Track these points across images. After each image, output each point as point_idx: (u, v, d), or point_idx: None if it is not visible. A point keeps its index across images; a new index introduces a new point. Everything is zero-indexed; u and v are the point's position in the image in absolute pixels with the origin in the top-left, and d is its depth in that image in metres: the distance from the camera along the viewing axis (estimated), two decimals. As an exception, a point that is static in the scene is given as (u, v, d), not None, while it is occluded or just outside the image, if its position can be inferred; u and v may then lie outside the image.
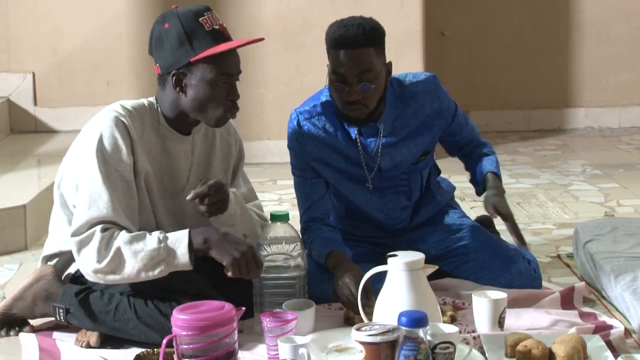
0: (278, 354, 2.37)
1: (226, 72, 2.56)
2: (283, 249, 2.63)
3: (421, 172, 3.04)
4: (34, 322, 2.73)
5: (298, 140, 2.92)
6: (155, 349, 2.42)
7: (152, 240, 2.46)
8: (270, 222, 2.68)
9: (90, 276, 2.52)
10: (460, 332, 2.39)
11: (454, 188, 3.22)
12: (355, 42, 2.77)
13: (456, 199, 3.25)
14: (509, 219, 2.89)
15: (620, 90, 5.94)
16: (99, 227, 2.48)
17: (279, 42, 5.13)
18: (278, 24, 5.13)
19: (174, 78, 2.57)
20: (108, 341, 2.59)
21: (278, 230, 2.65)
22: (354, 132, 2.91)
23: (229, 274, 2.47)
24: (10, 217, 3.63)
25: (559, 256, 3.40)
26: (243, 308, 2.41)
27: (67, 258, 2.68)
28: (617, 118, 5.97)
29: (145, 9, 5.20)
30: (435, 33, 5.75)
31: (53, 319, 2.68)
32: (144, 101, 2.65)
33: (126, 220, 2.51)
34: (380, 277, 2.49)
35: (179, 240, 2.47)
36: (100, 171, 2.50)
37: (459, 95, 6.05)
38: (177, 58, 2.54)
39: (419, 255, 2.46)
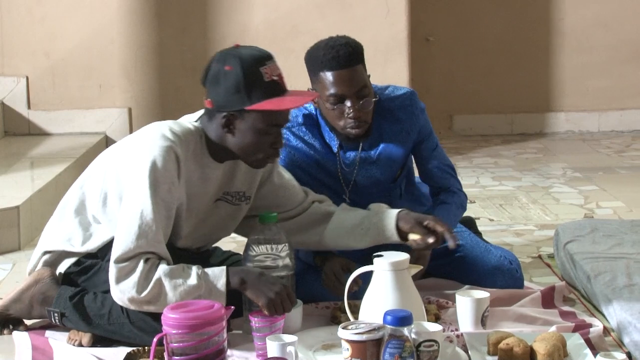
0: (266, 352, 2.39)
1: (276, 124, 2.55)
2: (271, 250, 2.64)
3: (400, 185, 3.05)
4: (27, 321, 2.74)
5: (284, 152, 2.92)
6: (146, 347, 2.44)
7: (192, 275, 2.47)
8: (258, 223, 2.71)
9: (123, 303, 2.50)
10: (444, 330, 2.42)
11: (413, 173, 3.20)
12: (349, 60, 2.76)
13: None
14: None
15: (600, 95, 6.00)
16: (142, 258, 2.46)
17: (268, 48, 5.12)
18: (267, 30, 5.16)
19: (224, 119, 2.54)
20: (99, 340, 2.60)
21: (267, 231, 2.67)
22: (335, 145, 2.93)
23: (265, 312, 2.48)
24: (3, 218, 3.64)
25: (540, 257, 3.43)
26: (232, 307, 2.44)
27: (61, 256, 2.69)
28: (597, 122, 6.03)
29: (137, 15, 5.23)
30: (420, 39, 5.80)
31: (49, 320, 2.69)
32: (191, 127, 2.60)
33: (167, 252, 2.51)
34: (366, 278, 2.52)
35: (217, 278, 2.49)
36: (152, 202, 2.46)
37: (443, 100, 6.14)
38: (232, 102, 2.51)
39: (404, 256, 2.48)
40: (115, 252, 2.48)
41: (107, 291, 2.56)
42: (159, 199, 2.48)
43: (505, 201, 4.31)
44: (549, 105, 6.04)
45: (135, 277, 2.45)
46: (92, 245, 2.65)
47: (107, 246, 2.59)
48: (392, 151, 2.95)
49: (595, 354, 2.37)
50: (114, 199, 2.59)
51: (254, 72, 2.50)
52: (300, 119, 2.92)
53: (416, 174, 3.13)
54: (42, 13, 5.20)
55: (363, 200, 2.92)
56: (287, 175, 2.84)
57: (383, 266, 2.46)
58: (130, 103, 5.27)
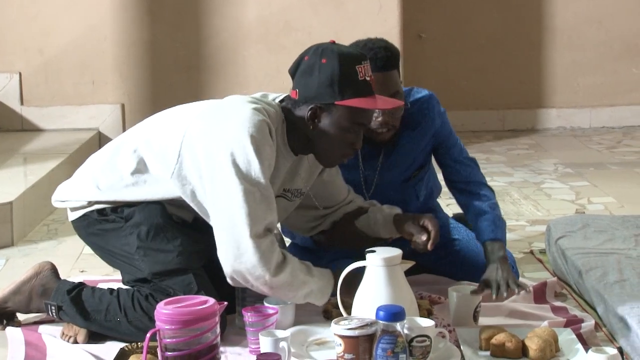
0: (259, 348, 2.40)
1: (361, 122, 2.54)
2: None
3: (415, 187, 3.04)
4: (20, 316, 2.74)
5: None
6: (139, 343, 2.44)
7: (313, 272, 2.52)
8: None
9: (259, 279, 2.46)
10: (436, 325, 2.42)
11: (440, 189, 3.22)
12: (386, 64, 2.75)
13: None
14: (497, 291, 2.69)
15: (591, 91, 6.03)
16: (269, 237, 2.45)
17: (261, 43, 5.18)
18: (260, 26, 5.17)
19: (310, 111, 2.52)
20: (93, 336, 2.60)
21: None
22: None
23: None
24: (-3, 214, 3.65)
25: (531, 252, 3.44)
26: (225, 303, 2.44)
27: (81, 206, 2.63)
28: (588, 118, 6.05)
29: (130, 12, 5.23)
30: (412, 36, 5.80)
31: (43, 314, 2.70)
32: (275, 109, 2.55)
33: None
34: (359, 273, 2.51)
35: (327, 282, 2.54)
36: (263, 184, 2.44)
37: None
38: (322, 95, 2.50)
39: (397, 252, 2.48)
40: (247, 226, 2.41)
41: (115, 254, 2.58)
42: (264, 167, 2.44)
43: (497, 197, 4.29)
44: (541, 101, 6.05)
45: (272, 257, 2.43)
46: (130, 195, 2.56)
47: (139, 205, 2.55)
48: (407, 155, 2.94)
49: (586, 349, 2.38)
50: (189, 165, 2.49)
51: (350, 69, 2.49)
52: None
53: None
54: (36, 10, 5.19)
55: (382, 201, 2.94)
56: (335, 171, 2.82)
57: (375, 262, 2.46)
58: (123, 99, 5.27)
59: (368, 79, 2.52)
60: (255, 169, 2.43)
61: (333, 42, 2.56)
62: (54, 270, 2.70)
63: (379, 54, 2.74)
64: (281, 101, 2.62)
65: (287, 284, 2.48)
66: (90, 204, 2.63)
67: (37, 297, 2.67)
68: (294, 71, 2.56)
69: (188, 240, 2.58)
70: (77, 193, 2.66)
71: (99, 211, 2.62)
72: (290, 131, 2.57)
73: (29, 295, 2.68)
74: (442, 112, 2.97)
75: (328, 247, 2.90)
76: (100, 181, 2.59)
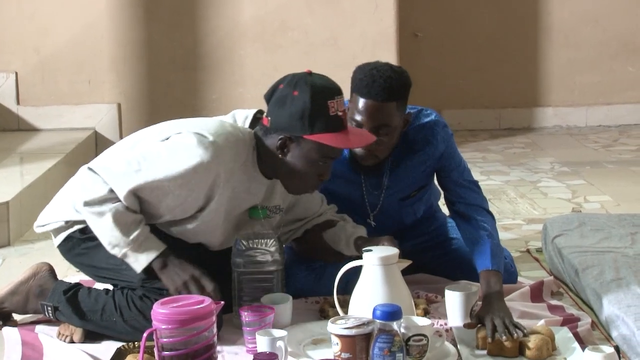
0: (256, 347, 2.40)
1: (330, 156, 2.56)
2: (261, 245, 2.66)
3: (413, 205, 3.02)
4: (17, 316, 2.74)
5: None
6: (135, 343, 2.45)
7: (131, 231, 2.49)
8: (248, 218, 2.72)
9: (79, 203, 2.53)
10: (433, 324, 2.42)
11: (439, 193, 3.16)
12: (379, 94, 2.67)
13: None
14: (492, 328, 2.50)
15: (587, 90, 6.03)
16: (108, 187, 2.49)
17: (257, 42, 5.18)
18: (256, 26, 5.17)
19: (280, 141, 2.54)
20: (90, 335, 2.61)
21: (256, 226, 2.67)
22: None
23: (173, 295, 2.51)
24: (-7, 214, 3.65)
25: (528, 251, 3.45)
26: (222, 302, 2.44)
27: (62, 228, 2.66)
28: (584, 117, 6.06)
29: (127, 11, 5.22)
30: (408, 34, 5.81)
31: (40, 315, 2.69)
32: (245, 137, 2.59)
33: (133, 204, 2.51)
34: (356, 272, 2.52)
35: (148, 252, 2.51)
36: (180, 173, 2.48)
37: (431, 95, 6.16)
38: (292, 127, 2.52)
39: (394, 250, 2.50)
40: (100, 164, 2.52)
41: (102, 269, 2.60)
42: (186, 180, 2.48)
43: (493, 195, 4.33)
44: (537, 100, 6.06)
45: (95, 193, 2.49)
46: None
47: None
48: (406, 173, 2.91)
49: (583, 348, 2.38)
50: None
51: (321, 104, 2.50)
52: None
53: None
54: (32, 9, 5.19)
55: (381, 221, 2.95)
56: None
57: (372, 261, 2.47)
58: (119, 99, 5.27)
59: (340, 113, 2.53)
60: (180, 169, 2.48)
61: (309, 73, 2.56)
62: (51, 271, 2.71)
63: (378, 81, 2.68)
64: (254, 125, 2.64)
65: (96, 219, 2.50)
66: (69, 223, 2.65)
67: (35, 298, 2.68)
68: (268, 98, 2.58)
69: (172, 244, 2.59)
70: (55, 215, 2.68)
71: (81, 230, 2.64)
72: (261, 157, 2.60)
73: (26, 296, 2.69)
74: (447, 137, 2.89)
75: (301, 254, 2.90)
76: (77, 202, 2.59)
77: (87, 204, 2.51)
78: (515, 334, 2.41)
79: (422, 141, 2.87)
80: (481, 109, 6.04)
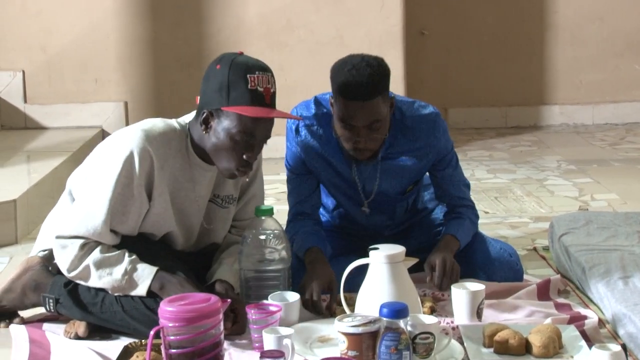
0: (263, 345, 2.40)
1: (249, 132, 2.54)
2: (268, 243, 2.66)
3: (407, 200, 3.04)
4: (24, 313, 2.75)
5: (295, 142, 2.91)
6: (143, 341, 2.45)
7: (119, 270, 2.55)
8: (255, 216, 2.72)
9: (65, 274, 2.61)
10: (439, 322, 2.43)
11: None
12: (364, 94, 2.66)
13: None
14: (439, 271, 2.77)
15: (594, 88, 6.03)
16: (80, 241, 2.55)
17: (263, 41, 5.18)
18: (261, 24, 5.17)
19: (203, 116, 2.56)
20: (96, 332, 2.62)
21: (263, 224, 2.68)
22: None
23: None
24: (0, 212, 3.65)
25: (535, 249, 3.45)
26: (229, 300, 2.45)
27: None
28: (591, 115, 6.05)
29: (133, 9, 5.23)
30: (414, 33, 5.81)
31: (43, 310, 2.70)
32: (176, 125, 2.64)
33: (111, 239, 2.57)
34: (362, 270, 2.53)
35: (142, 279, 2.55)
36: (112, 193, 2.53)
37: (437, 93, 6.16)
38: (212, 100, 2.54)
39: (400, 249, 2.50)
40: (61, 228, 2.59)
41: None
42: (116, 193, 2.53)
43: (500, 194, 4.33)
44: (543, 98, 6.06)
45: (70, 256, 2.56)
46: None
47: None
48: (404, 168, 2.92)
49: (590, 346, 2.38)
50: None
51: (240, 76, 2.52)
52: (321, 120, 2.85)
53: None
54: (38, 7, 5.20)
55: (371, 207, 2.96)
56: (259, 192, 2.85)
57: (379, 259, 2.47)
58: (126, 97, 5.28)
59: (261, 89, 2.52)
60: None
61: (240, 53, 2.59)
62: (43, 264, 2.72)
63: (360, 81, 2.65)
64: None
65: (85, 277, 2.58)
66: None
67: (31, 291, 2.69)
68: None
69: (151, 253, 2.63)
70: (44, 245, 2.76)
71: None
72: (195, 142, 2.62)
73: (21, 291, 2.70)
74: (444, 129, 2.93)
75: None
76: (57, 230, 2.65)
77: (69, 270, 2.58)
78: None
79: (421, 130, 2.87)
80: (487, 107, 6.03)
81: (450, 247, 2.87)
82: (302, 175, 2.95)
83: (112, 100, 5.26)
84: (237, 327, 2.57)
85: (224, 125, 2.54)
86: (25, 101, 5.23)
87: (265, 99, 2.54)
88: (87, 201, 2.57)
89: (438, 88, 5.91)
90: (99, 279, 2.56)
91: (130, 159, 2.54)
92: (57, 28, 5.21)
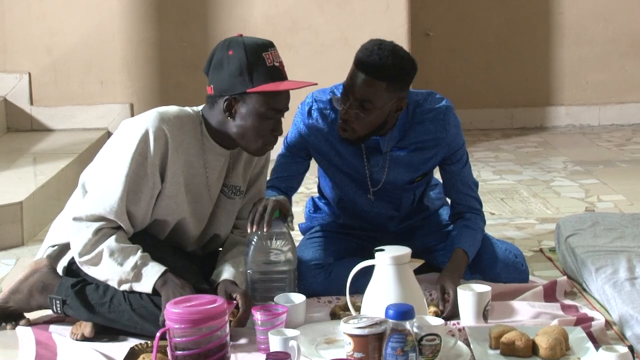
0: (269, 347, 2.40)
1: (277, 108, 2.58)
2: (274, 244, 2.66)
3: (414, 191, 3.05)
4: (30, 315, 2.76)
5: (305, 123, 2.93)
6: (149, 342, 2.45)
7: (130, 262, 2.55)
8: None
9: (76, 258, 2.61)
10: (445, 324, 2.42)
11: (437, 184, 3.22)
12: (369, 70, 2.70)
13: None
14: (452, 303, 2.74)
15: (600, 89, 6.02)
16: (96, 225, 2.55)
17: (267, 42, 5.18)
18: (267, 26, 5.17)
19: (225, 103, 2.58)
20: (103, 333, 2.62)
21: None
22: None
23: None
24: (7, 214, 3.66)
25: (541, 250, 3.44)
26: (234, 302, 2.46)
27: (65, 249, 2.71)
28: (597, 116, 6.05)
29: (138, 10, 5.24)
30: (420, 34, 5.81)
31: (49, 311, 2.71)
32: (190, 111, 2.67)
33: (127, 222, 2.57)
34: (367, 271, 2.52)
35: (150, 275, 2.55)
36: (128, 170, 2.54)
37: (443, 94, 6.14)
38: (234, 85, 2.56)
39: (406, 250, 2.49)
40: (79, 210, 2.58)
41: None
42: (131, 170, 2.54)
43: (506, 195, 4.32)
44: (549, 99, 6.05)
45: (84, 240, 2.55)
46: None
47: None
48: (414, 159, 2.93)
49: (597, 348, 2.38)
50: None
51: (257, 56, 2.56)
52: (334, 104, 2.84)
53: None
54: (43, 9, 5.21)
55: (377, 196, 2.95)
56: (263, 188, 2.86)
57: (385, 260, 2.47)
58: (131, 98, 5.28)
59: (277, 64, 2.58)
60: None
61: (240, 35, 2.62)
62: (51, 266, 2.72)
63: (372, 56, 2.71)
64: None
65: (95, 264, 2.57)
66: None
67: (38, 293, 2.69)
68: (207, 69, 2.63)
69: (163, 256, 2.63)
70: (54, 240, 2.75)
71: (68, 272, 2.71)
72: (212, 129, 2.64)
73: (28, 292, 2.71)
74: (456, 123, 2.95)
75: None
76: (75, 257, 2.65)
77: (80, 254, 2.58)
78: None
79: (432, 122, 2.89)
80: (493, 108, 6.03)
81: (461, 268, 2.87)
82: (296, 157, 2.98)
83: (117, 102, 5.27)
84: (241, 315, 2.56)
85: (250, 107, 2.57)
86: (32, 103, 5.24)
87: (282, 73, 2.60)
88: (103, 181, 2.58)
89: (443, 89, 5.87)
90: (108, 267, 2.55)
91: (145, 137, 2.55)
92: (62, 30, 5.22)
